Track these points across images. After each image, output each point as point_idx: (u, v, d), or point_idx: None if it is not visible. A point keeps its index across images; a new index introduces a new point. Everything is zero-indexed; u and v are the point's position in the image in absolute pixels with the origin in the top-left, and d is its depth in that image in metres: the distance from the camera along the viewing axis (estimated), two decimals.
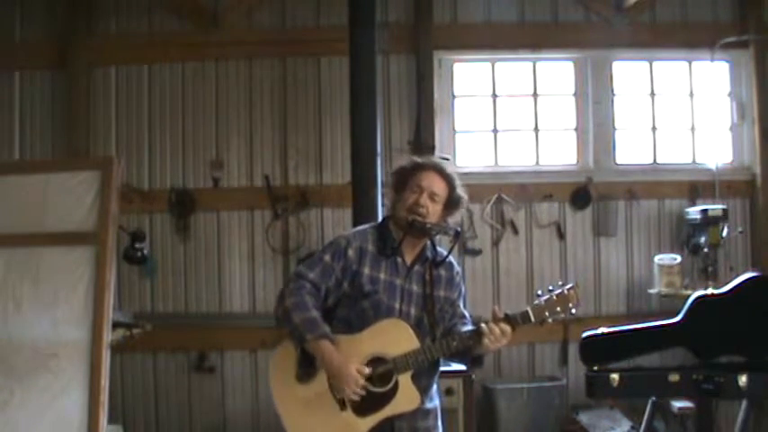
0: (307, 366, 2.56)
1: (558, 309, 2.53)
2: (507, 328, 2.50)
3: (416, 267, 2.68)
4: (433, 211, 2.64)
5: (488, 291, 5.32)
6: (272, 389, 2.64)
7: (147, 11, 5.38)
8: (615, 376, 3.82)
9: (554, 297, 2.54)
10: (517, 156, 5.52)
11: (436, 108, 5.38)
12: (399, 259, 2.67)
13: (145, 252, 4.32)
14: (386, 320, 2.56)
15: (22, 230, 3.45)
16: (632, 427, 4.68)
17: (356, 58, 4.65)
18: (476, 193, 5.29)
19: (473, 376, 4.25)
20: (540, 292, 2.58)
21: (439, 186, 2.67)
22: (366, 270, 2.62)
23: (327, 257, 2.64)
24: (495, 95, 5.53)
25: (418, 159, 2.77)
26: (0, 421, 3.20)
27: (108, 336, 3.31)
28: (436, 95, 5.38)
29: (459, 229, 2.75)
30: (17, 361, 3.29)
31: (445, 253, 2.72)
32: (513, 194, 5.35)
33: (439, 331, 2.65)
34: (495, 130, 5.52)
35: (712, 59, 5.45)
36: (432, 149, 5.22)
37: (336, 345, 2.51)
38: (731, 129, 5.55)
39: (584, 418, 4.95)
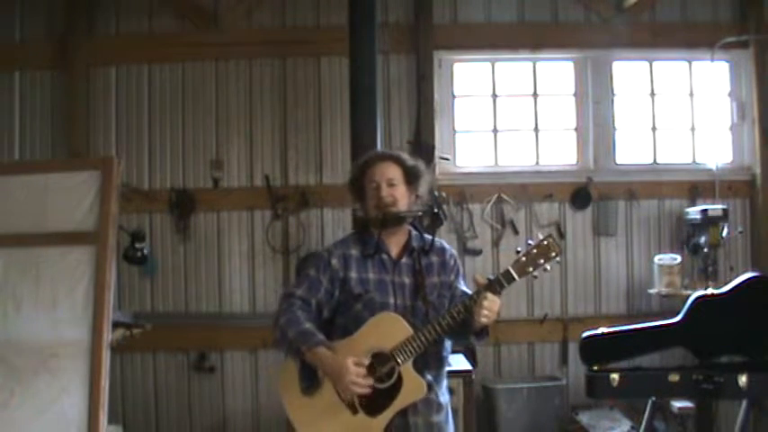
0: (310, 379, 2.57)
1: (541, 260, 2.50)
2: (490, 295, 2.46)
3: (404, 260, 2.69)
4: (399, 195, 2.66)
5: None
6: (286, 408, 2.64)
7: (147, 11, 5.38)
8: (615, 376, 3.82)
9: (533, 250, 2.51)
10: (517, 156, 5.51)
11: (436, 108, 5.38)
12: (385, 256, 2.68)
13: (145, 252, 4.32)
14: (377, 316, 2.56)
15: (22, 230, 3.45)
16: (632, 427, 4.68)
17: (356, 58, 4.65)
18: (476, 193, 5.33)
19: (473, 376, 4.26)
20: (519, 249, 2.56)
21: (391, 171, 2.68)
22: (353, 274, 2.65)
23: (312, 272, 2.68)
24: (495, 95, 5.53)
25: (360, 161, 2.80)
26: (0, 421, 3.20)
27: (108, 336, 3.31)
28: (436, 95, 5.38)
29: (435, 209, 2.75)
30: (17, 361, 3.30)
31: (433, 239, 2.74)
32: (513, 194, 5.35)
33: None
34: (495, 130, 5.52)
35: (712, 59, 5.44)
36: (432, 149, 5.23)
37: (333, 350, 2.52)
38: (731, 129, 5.55)
39: (584, 418, 4.95)
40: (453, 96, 5.49)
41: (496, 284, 2.48)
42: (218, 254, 5.31)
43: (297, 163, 5.35)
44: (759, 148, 5.39)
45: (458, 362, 4.40)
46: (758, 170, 5.38)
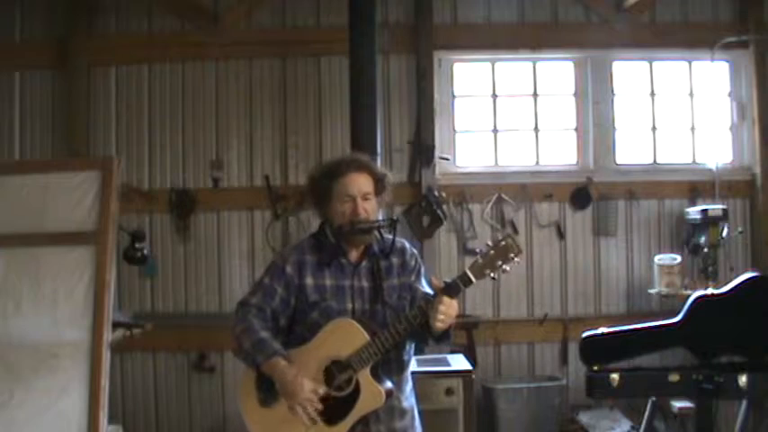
0: (268, 390, 2.51)
1: (499, 262, 2.39)
2: (447, 299, 2.38)
3: (364, 263, 2.61)
4: (372, 208, 2.58)
5: (488, 291, 5.31)
6: (244, 419, 2.59)
7: (147, 11, 5.38)
8: (615, 376, 3.82)
9: (491, 252, 2.40)
10: (517, 156, 5.52)
11: (436, 108, 5.38)
12: (344, 260, 2.60)
13: (145, 252, 4.31)
14: (332, 322, 2.49)
15: (22, 230, 3.45)
16: (632, 427, 4.68)
17: (356, 58, 4.66)
18: (476, 193, 5.33)
19: (473, 376, 4.26)
20: (478, 250, 2.48)
21: (366, 184, 2.58)
22: (309, 281, 2.57)
23: (267, 279, 2.61)
24: (495, 95, 5.53)
25: (329, 165, 2.65)
26: (0, 421, 3.20)
27: (108, 336, 3.31)
28: (436, 95, 5.38)
29: (395, 218, 2.70)
30: (17, 361, 3.29)
31: (392, 241, 2.63)
32: (513, 194, 5.35)
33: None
34: (495, 130, 5.52)
35: (712, 59, 5.44)
36: (432, 149, 5.23)
37: (290, 360, 2.47)
38: (731, 129, 5.55)
39: (584, 418, 4.96)
40: (453, 96, 5.49)
41: (453, 288, 2.39)
42: (218, 254, 5.31)
43: (297, 163, 5.35)
44: (759, 148, 5.39)
45: (458, 362, 4.40)
46: (758, 170, 5.39)
